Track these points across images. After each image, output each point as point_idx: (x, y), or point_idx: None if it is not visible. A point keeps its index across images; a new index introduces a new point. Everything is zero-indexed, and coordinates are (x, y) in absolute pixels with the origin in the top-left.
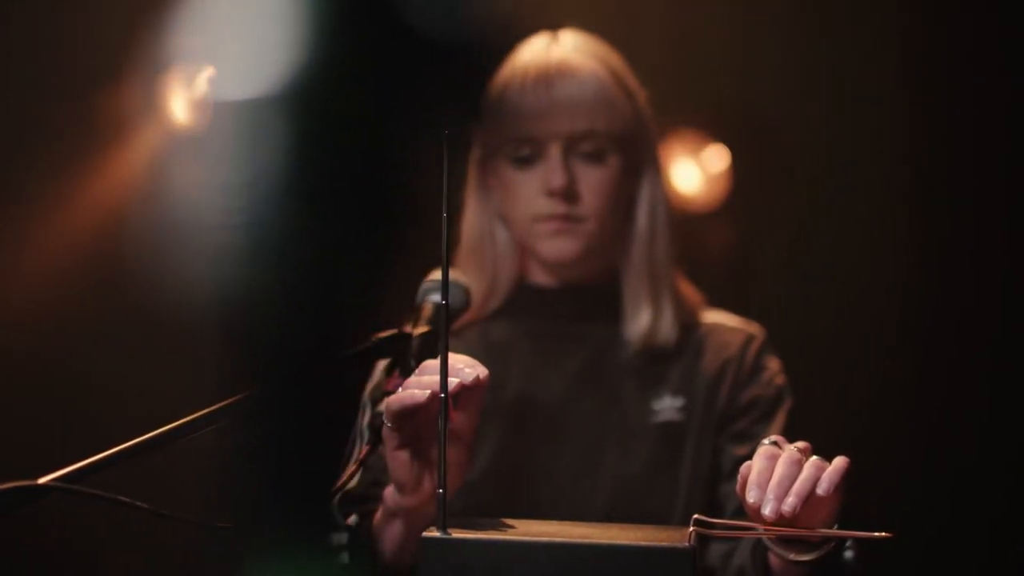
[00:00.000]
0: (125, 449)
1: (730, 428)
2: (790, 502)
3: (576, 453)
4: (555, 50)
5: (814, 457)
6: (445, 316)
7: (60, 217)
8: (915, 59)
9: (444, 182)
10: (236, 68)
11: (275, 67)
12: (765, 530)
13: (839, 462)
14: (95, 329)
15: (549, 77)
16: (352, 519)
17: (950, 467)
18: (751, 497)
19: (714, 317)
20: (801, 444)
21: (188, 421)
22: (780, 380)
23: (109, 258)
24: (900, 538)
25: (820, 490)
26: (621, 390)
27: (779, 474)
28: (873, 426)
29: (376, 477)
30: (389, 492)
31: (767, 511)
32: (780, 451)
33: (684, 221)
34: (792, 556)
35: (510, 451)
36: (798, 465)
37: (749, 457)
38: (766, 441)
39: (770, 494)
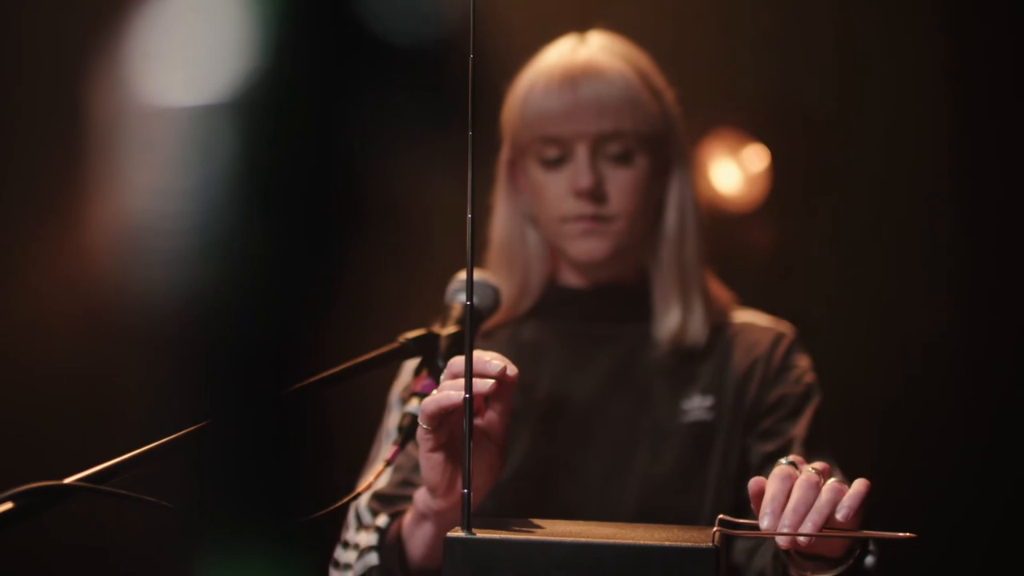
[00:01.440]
0: (148, 451)
1: (758, 426)
2: (807, 530)
3: (606, 453)
4: (581, 51)
5: (832, 480)
6: (469, 317)
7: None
8: (957, 57)
9: (469, 183)
10: (190, 73)
11: (228, 72)
12: (789, 532)
13: (859, 486)
14: (81, 337)
15: (575, 78)
16: (381, 520)
17: (976, 468)
18: (764, 524)
19: (745, 316)
20: (819, 465)
21: (201, 426)
22: (809, 378)
23: (88, 264)
24: (924, 539)
25: (840, 515)
26: (651, 390)
27: (795, 498)
28: (902, 427)
29: (407, 477)
30: (419, 495)
31: (782, 542)
32: (797, 472)
33: (723, 221)
34: (811, 575)
35: (540, 452)
36: (816, 488)
37: (777, 454)
38: (783, 461)
39: (785, 520)
